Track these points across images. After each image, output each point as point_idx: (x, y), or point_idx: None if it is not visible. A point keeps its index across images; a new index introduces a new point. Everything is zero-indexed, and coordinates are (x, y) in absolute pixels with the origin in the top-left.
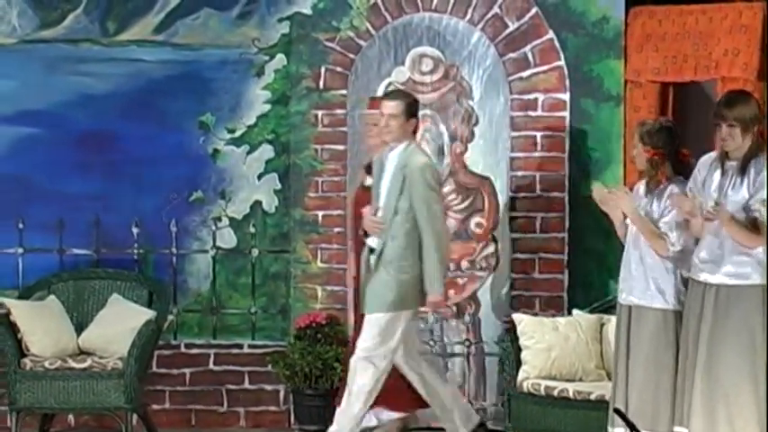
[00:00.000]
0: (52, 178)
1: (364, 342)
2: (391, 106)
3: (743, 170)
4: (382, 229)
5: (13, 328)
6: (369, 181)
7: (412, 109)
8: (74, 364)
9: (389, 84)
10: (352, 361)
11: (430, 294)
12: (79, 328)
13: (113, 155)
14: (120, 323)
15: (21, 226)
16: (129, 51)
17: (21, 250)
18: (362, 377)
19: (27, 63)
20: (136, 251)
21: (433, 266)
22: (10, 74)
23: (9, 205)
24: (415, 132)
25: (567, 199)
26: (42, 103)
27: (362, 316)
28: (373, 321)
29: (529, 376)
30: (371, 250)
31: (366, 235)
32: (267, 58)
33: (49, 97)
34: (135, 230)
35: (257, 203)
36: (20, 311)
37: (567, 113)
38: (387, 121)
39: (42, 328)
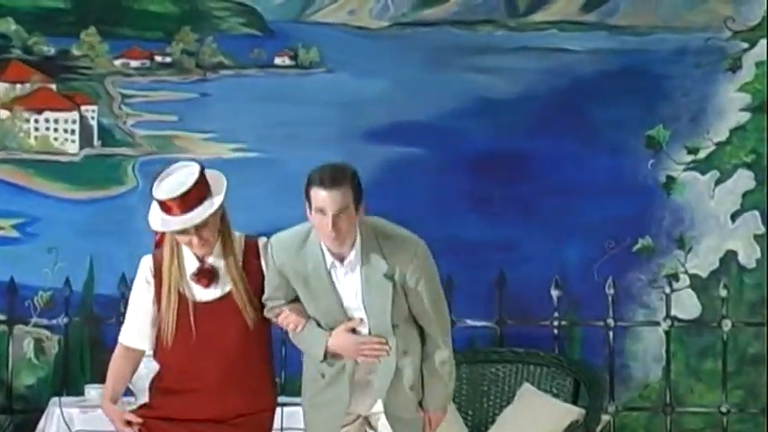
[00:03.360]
0: (437, 216)
1: None
2: (339, 196)
3: None
4: (386, 350)
5: None
6: (203, 294)
7: (358, 189)
8: None
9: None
10: None
11: (440, 410)
12: (477, 430)
13: (523, 185)
14: (534, 425)
15: None
16: (546, 37)
17: None
18: None
19: (402, 55)
20: (556, 323)
21: (448, 382)
22: (379, 70)
23: None
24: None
25: None
26: (423, 111)
27: None
28: None
29: None
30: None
31: (326, 357)
32: (746, 45)
33: (434, 103)
34: (555, 293)
35: (730, 255)
36: None
37: None
38: (335, 220)
39: None
